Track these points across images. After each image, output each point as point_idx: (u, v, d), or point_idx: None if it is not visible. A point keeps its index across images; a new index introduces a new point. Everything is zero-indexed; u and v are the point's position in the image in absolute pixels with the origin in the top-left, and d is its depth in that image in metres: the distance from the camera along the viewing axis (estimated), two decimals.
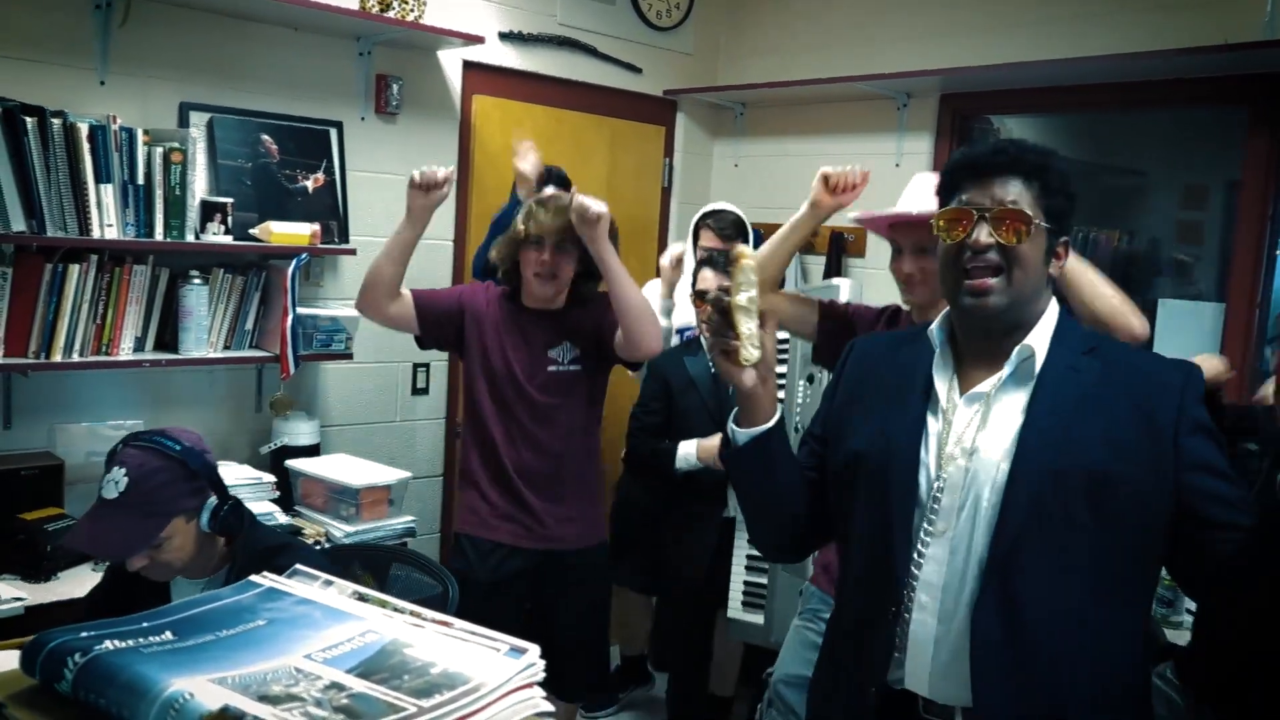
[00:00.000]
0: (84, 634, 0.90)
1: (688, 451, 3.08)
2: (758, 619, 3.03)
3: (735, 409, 1.56)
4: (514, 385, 2.65)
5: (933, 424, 1.52)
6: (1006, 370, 1.48)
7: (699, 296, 3.12)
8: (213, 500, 1.84)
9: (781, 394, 3.00)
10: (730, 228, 3.43)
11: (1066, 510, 1.41)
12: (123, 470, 1.77)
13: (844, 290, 2.94)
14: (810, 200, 2.32)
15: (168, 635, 0.92)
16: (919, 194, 2.17)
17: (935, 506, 1.47)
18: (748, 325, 1.42)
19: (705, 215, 3.52)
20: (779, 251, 2.37)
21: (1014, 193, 1.47)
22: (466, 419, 2.79)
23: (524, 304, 2.70)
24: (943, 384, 1.53)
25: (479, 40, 3.44)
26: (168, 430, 1.87)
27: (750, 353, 1.43)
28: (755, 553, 3.05)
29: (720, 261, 3.24)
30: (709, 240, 3.43)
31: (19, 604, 2.34)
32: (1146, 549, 1.45)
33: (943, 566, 1.46)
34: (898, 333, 1.81)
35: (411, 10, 3.28)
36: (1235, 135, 3.11)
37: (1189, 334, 3.20)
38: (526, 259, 2.62)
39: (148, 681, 0.81)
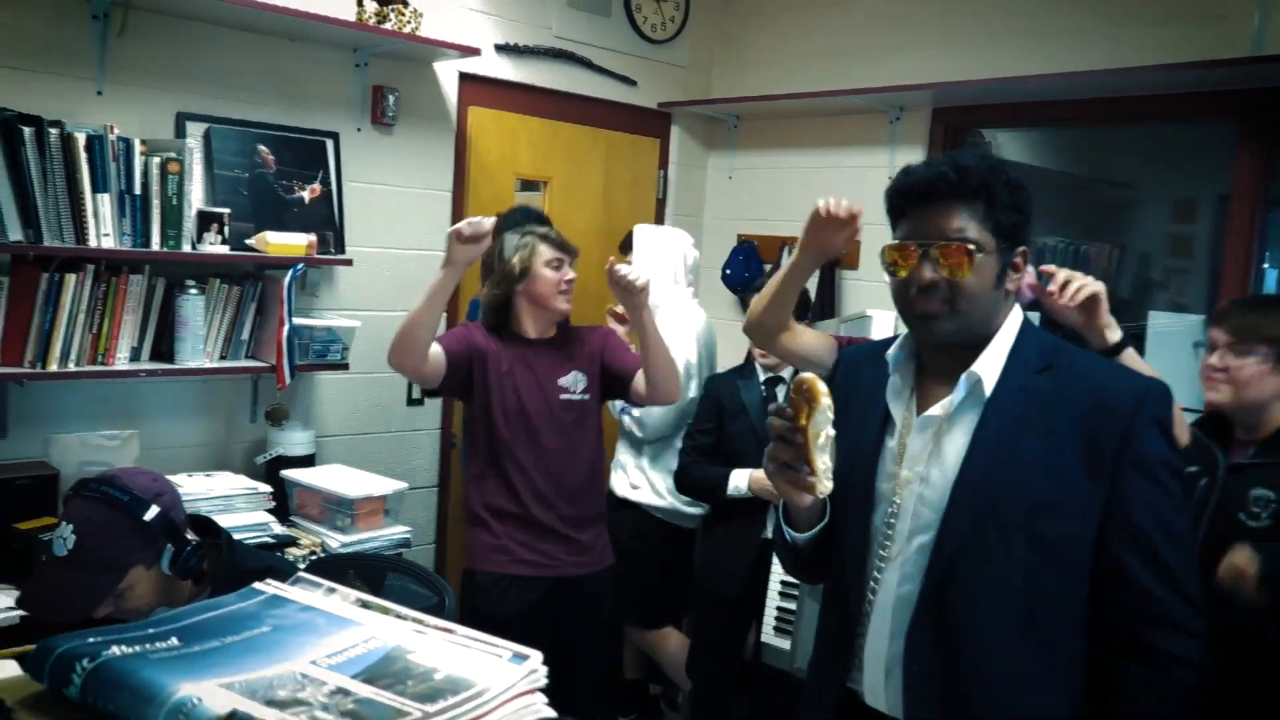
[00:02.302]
0: (91, 639, 0.90)
1: (739, 483, 3.11)
2: (785, 644, 3.04)
3: (783, 507, 1.57)
4: (526, 418, 2.65)
5: (890, 446, 1.53)
6: (957, 396, 1.46)
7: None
8: (170, 548, 1.76)
9: None
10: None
11: (1005, 541, 1.39)
12: (70, 527, 1.69)
13: (879, 322, 2.92)
14: (799, 246, 2.13)
15: (174, 641, 0.93)
16: None
17: (889, 532, 1.50)
18: (824, 461, 1.35)
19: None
20: (780, 294, 2.19)
21: (958, 220, 1.40)
22: (477, 457, 2.73)
23: (522, 336, 2.72)
24: (898, 407, 1.53)
25: (475, 52, 3.46)
26: (117, 476, 1.78)
27: (825, 486, 1.36)
28: (789, 579, 3.05)
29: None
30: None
31: (14, 613, 2.34)
32: (1080, 585, 1.41)
33: (892, 591, 1.48)
34: (874, 345, 1.72)
35: (408, 22, 3.30)
36: (1225, 150, 3.14)
37: (1177, 346, 3.23)
38: (545, 280, 2.67)
39: (156, 686, 0.82)
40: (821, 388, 1.34)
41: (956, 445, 1.45)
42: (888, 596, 1.48)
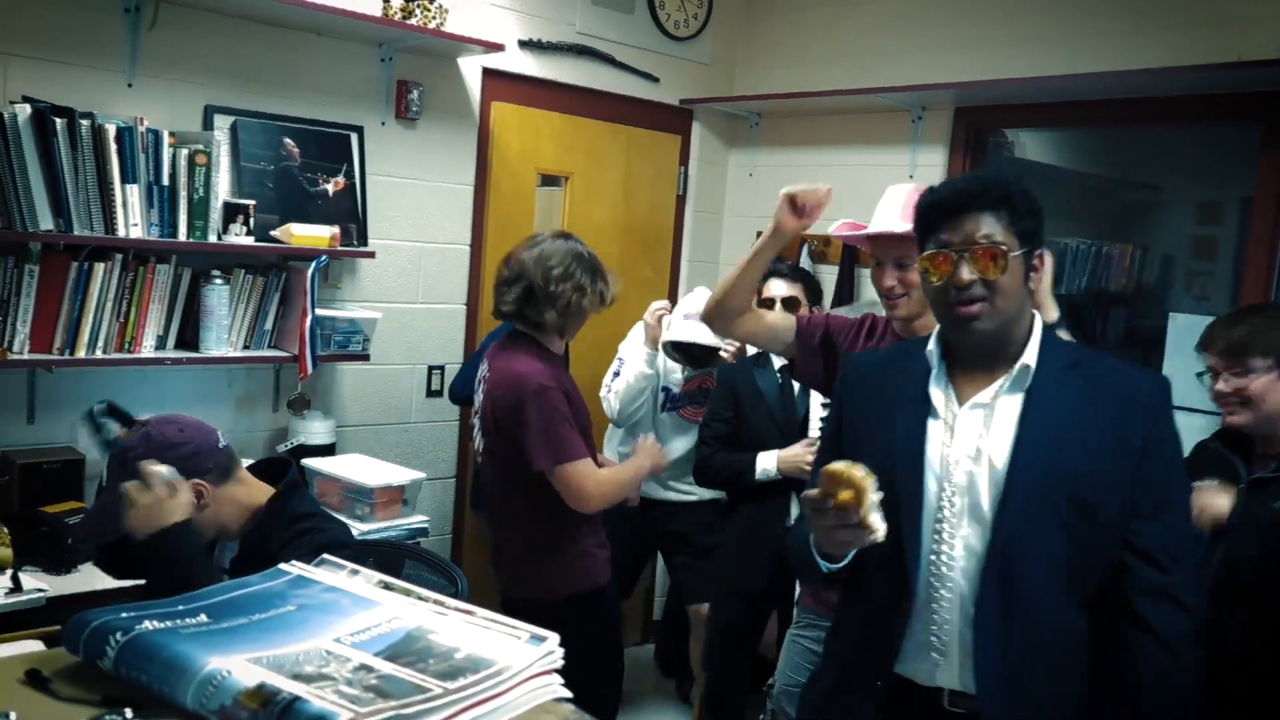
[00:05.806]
0: (124, 614, 0.93)
1: (767, 465, 3.06)
2: None
3: (810, 535, 1.56)
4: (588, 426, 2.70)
5: (935, 431, 1.60)
6: (1007, 381, 1.58)
7: (766, 304, 3.13)
8: None
9: None
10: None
11: (1056, 507, 1.52)
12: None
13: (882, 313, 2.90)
14: (774, 221, 2.18)
15: (203, 618, 0.96)
16: (894, 206, 2.17)
17: (949, 510, 1.56)
18: (878, 520, 1.43)
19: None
20: (746, 277, 2.25)
21: (985, 227, 1.54)
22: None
23: (557, 353, 2.69)
24: (939, 395, 1.62)
25: (499, 48, 3.48)
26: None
27: (882, 534, 1.44)
28: None
29: (785, 272, 3.27)
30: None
31: (41, 595, 2.38)
32: (1110, 556, 1.55)
33: (958, 565, 1.55)
34: (887, 351, 1.89)
35: (434, 18, 3.33)
36: (1249, 151, 3.13)
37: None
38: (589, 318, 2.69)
39: (187, 659, 0.85)
40: (858, 472, 1.42)
41: (1005, 425, 1.56)
42: (953, 571, 1.55)
